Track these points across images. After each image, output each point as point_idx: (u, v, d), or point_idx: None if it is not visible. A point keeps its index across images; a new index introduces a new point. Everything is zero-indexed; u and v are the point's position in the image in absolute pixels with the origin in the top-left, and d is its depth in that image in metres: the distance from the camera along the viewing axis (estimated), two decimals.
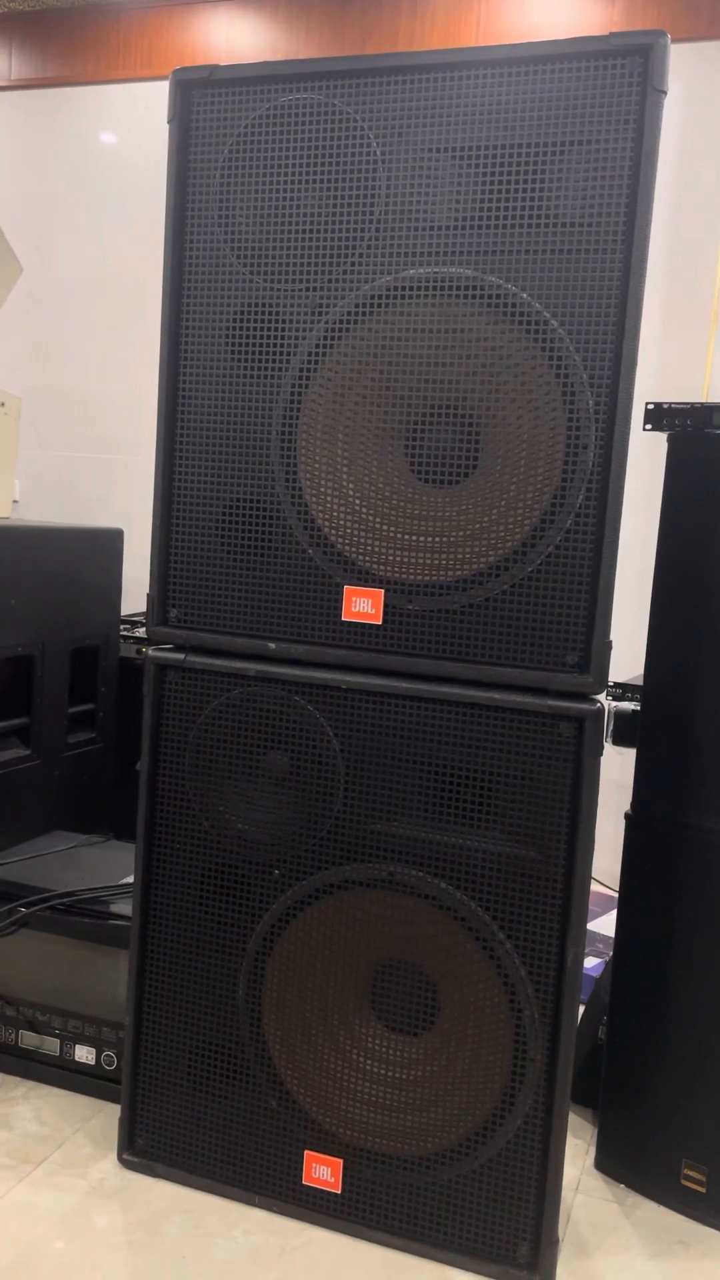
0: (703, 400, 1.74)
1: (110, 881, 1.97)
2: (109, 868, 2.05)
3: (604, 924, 2.55)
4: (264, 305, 1.51)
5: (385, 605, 1.49)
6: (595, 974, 2.10)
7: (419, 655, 1.48)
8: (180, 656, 1.59)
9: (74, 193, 3.60)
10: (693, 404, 1.62)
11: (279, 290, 1.50)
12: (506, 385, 1.40)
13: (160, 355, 1.57)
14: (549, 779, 1.44)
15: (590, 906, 1.53)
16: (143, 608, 1.68)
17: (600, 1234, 1.63)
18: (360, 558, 1.49)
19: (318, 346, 1.49)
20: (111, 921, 1.85)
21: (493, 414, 1.41)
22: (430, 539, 1.46)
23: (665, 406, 1.63)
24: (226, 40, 3.43)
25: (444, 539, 1.45)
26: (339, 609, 1.51)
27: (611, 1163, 1.76)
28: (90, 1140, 1.77)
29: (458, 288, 1.41)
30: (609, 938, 2.43)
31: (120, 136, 3.54)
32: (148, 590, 1.61)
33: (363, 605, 1.50)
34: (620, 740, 1.76)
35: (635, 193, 1.35)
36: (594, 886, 2.44)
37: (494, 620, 1.44)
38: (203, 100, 1.52)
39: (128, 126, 3.54)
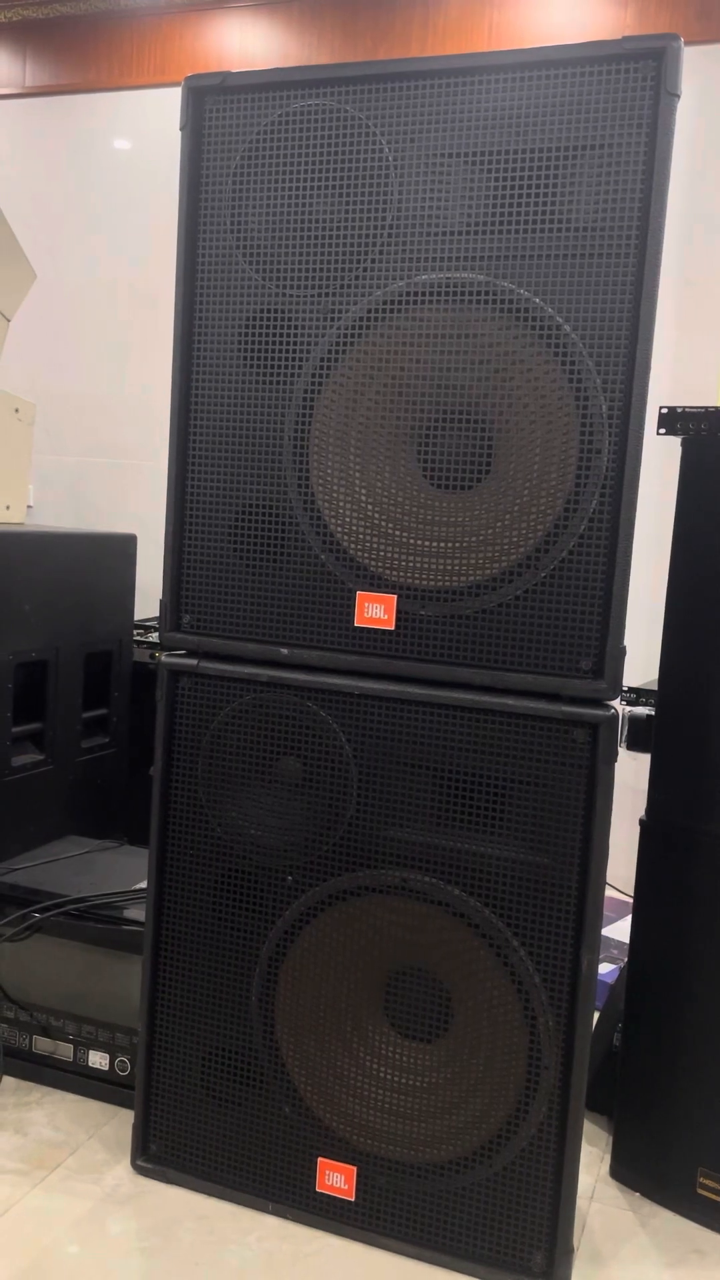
0: (717, 404, 1.73)
1: (123, 887, 1.97)
2: (122, 873, 2.05)
3: (619, 930, 2.54)
4: (276, 310, 1.51)
5: (398, 611, 1.48)
6: (610, 980, 2.09)
7: (432, 661, 1.48)
8: (193, 662, 1.60)
9: (88, 199, 3.61)
10: (707, 408, 1.61)
11: (291, 295, 1.50)
12: (519, 390, 1.40)
13: (173, 360, 1.57)
14: (563, 785, 1.43)
15: (605, 912, 1.53)
16: (156, 612, 1.68)
17: (615, 1243, 1.62)
18: (373, 563, 1.49)
19: (330, 352, 1.49)
20: (125, 927, 1.85)
21: (505, 419, 1.41)
22: (443, 544, 1.45)
23: (679, 410, 1.62)
24: (239, 46, 3.43)
25: (457, 544, 1.45)
26: (351, 614, 1.51)
27: (627, 1171, 1.75)
28: (104, 1146, 1.77)
29: (470, 293, 1.41)
30: (624, 943, 2.41)
31: (134, 143, 3.56)
32: (161, 596, 1.61)
33: (375, 611, 1.49)
34: (635, 745, 1.75)
35: (649, 196, 1.34)
36: (609, 892, 2.43)
37: (507, 626, 1.44)
38: (215, 107, 1.52)
39: (141, 133, 3.55)
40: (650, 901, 1.69)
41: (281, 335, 1.51)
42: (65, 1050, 1.91)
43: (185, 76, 1.54)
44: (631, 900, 1.73)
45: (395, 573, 1.48)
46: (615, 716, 1.41)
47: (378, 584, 1.49)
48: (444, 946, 1.50)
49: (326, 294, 1.48)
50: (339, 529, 1.50)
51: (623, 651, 1.41)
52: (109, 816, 2.52)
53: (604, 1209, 1.69)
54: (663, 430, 1.64)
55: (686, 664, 1.64)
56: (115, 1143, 1.77)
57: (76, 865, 2.11)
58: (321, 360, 1.49)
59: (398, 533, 1.47)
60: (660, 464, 1.82)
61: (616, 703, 1.44)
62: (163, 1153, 1.69)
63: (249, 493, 1.55)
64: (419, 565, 1.46)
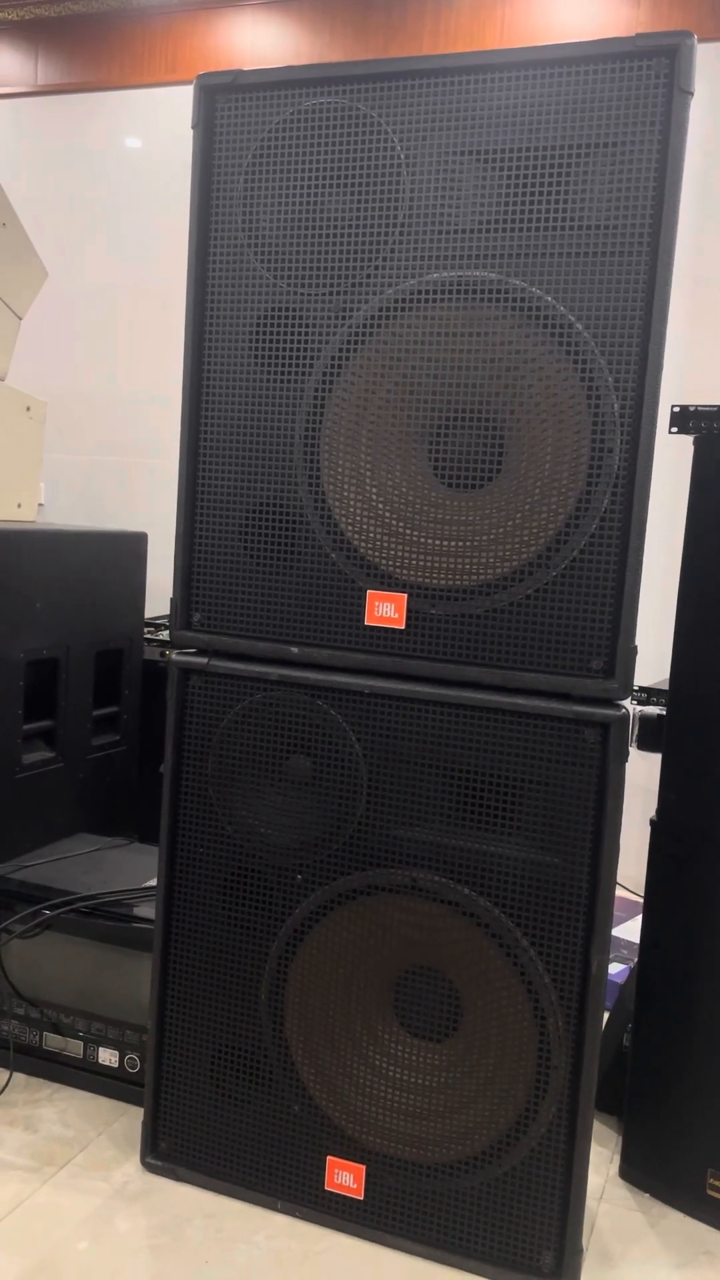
0: None
1: (134, 884, 1.97)
2: (132, 870, 2.06)
3: (629, 929, 2.53)
4: (288, 309, 1.51)
5: (408, 609, 1.48)
6: (620, 980, 2.09)
7: (442, 660, 1.48)
8: (203, 661, 1.60)
9: (99, 197, 3.62)
10: (718, 406, 1.60)
11: (303, 294, 1.50)
12: (530, 389, 1.40)
13: (184, 359, 1.57)
14: (573, 785, 1.43)
15: (615, 912, 1.52)
16: (167, 610, 1.68)
17: (625, 1243, 1.62)
18: (383, 562, 1.49)
19: (341, 350, 1.48)
20: (135, 924, 1.86)
21: (517, 418, 1.41)
22: (454, 543, 1.45)
23: (691, 409, 1.62)
24: (251, 44, 3.43)
25: (468, 543, 1.44)
26: (362, 613, 1.51)
27: (636, 1171, 1.74)
28: (113, 1143, 1.77)
29: (482, 291, 1.41)
30: (634, 943, 2.41)
31: (145, 141, 3.56)
32: (171, 594, 1.62)
33: (386, 609, 1.49)
34: (645, 745, 1.75)
35: (661, 195, 1.34)
36: (619, 892, 2.42)
37: (518, 625, 1.43)
38: (227, 105, 1.52)
39: (153, 131, 3.55)
40: (660, 902, 1.69)
41: (293, 333, 1.51)
42: (75, 1047, 1.91)
43: (197, 75, 1.54)
44: (642, 900, 1.72)
45: (406, 571, 1.48)
46: (626, 716, 1.41)
47: (388, 583, 1.49)
48: (453, 946, 1.50)
49: (338, 292, 1.48)
50: (349, 527, 1.50)
51: (634, 651, 1.40)
52: (119, 814, 2.53)
53: (613, 1209, 1.69)
54: (675, 429, 1.63)
55: (698, 663, 1.63)
56: (124, 1140, 1.78)
57: (86, 863, 2.11)
58: (333, 358, 1.49)
59: (408, 531, 1.47)
60: (672, 463, 1.82)
61: (627, 702, 1.43)
62: (172, 1150, 1.69)
63: (260, 491, 1.55)
64: (430, 564, 1.46)
